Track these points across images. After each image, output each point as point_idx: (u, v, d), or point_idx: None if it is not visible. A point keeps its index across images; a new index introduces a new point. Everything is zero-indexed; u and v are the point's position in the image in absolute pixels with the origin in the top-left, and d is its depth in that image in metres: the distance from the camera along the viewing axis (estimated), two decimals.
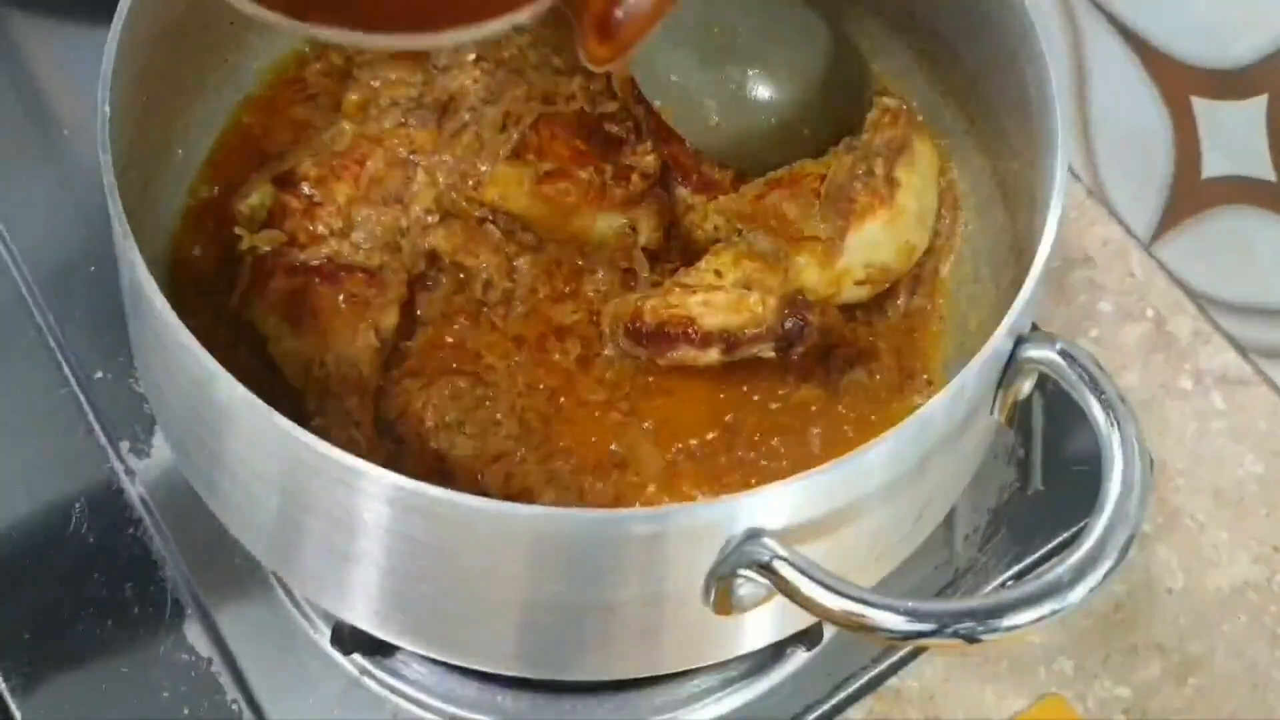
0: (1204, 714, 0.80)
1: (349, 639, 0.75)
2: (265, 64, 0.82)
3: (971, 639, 0.56)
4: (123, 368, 0.83)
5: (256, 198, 0.75)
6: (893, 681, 0.79)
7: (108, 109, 0.64)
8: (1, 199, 0.89)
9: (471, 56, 0.78)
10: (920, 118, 0.80)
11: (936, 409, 0.60)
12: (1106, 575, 0.57)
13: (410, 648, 0.70)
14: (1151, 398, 0.90)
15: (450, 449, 0.72)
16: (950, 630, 0.56)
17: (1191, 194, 0.91)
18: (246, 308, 0.74)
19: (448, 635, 0.65)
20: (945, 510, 0.70)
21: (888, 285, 0.77)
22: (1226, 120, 0.86)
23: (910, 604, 0.56)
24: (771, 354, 0.71)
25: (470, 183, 0.76)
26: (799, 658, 0.78)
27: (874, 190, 0.75)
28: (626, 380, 0.75)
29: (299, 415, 0.69)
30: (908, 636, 0.56)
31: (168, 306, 0.59)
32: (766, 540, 0.57)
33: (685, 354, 0.72)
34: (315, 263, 0.74)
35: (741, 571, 0.58)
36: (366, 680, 0.77)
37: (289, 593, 0.78)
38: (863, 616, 0.56)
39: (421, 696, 0.76)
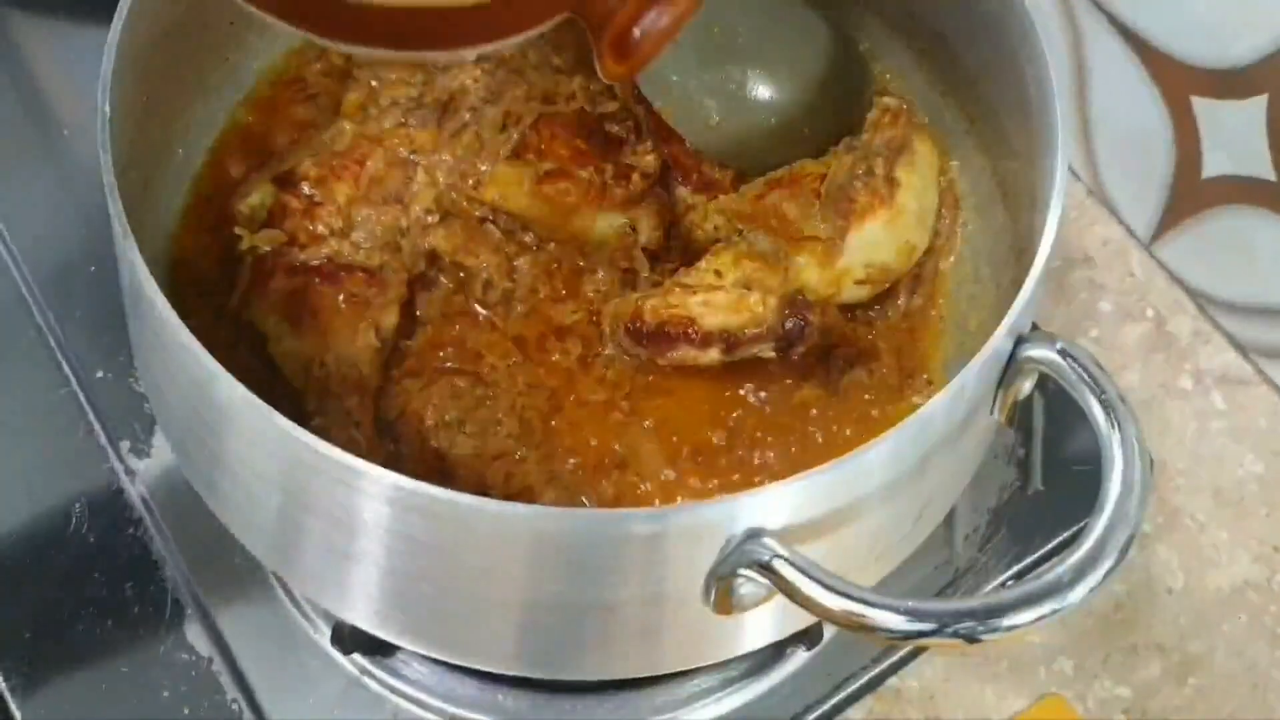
0: (1204, 714, 0.80)
1: (349, 639, 0.75)
2: (265, 64, 0.82)
3: (971, 639, 0.55)
4: (123, 368, 0.83)
5: (256, 198, 0.75)
6: (893, 681, 0.79)
7: (108, 109, 0.64)
8: (1, 199, 0.89)
9: (471, 56, 0.78)
10: (920, 118, 0.80)
11: (936, 409, 0.60)
12: (1106, 575, 0.57)
13: (410, 647, 0.70)
14: (1151, 398, 0.90)
15: (450, 448, 0.72)
16: (950, 630, 0.55)
17: (1191, 194, 0.91)
18: (246, 307, 0.74)
19: (448, 635, 0.65)
20: (945, 510, 0.70)
21: (888, 285, 0.77)
22: (1227, 120, 0.86)
23: (910, 604, 0.56)
24: (772, 354, 0.71)
25: (470, 182, 0.75)
26: (799, 658, 0.78)
27: (874, 190, 0.75)
28: (627, 380, 0.75)
29: (299, 415, 0.69)
30: (908, 636, 0.56)
31: (168, 306, 0.59)
32: (767, 540, 0.57)
33: (685, 354, 0.72)
34: (315, 262, 0.74)
35: (742, 571, 0.58)
36: (366, 680, 0.77)
37: (289, 593, 0.78)
38: (863, 616, 0.56)
39: (421, 696, 0.76)
